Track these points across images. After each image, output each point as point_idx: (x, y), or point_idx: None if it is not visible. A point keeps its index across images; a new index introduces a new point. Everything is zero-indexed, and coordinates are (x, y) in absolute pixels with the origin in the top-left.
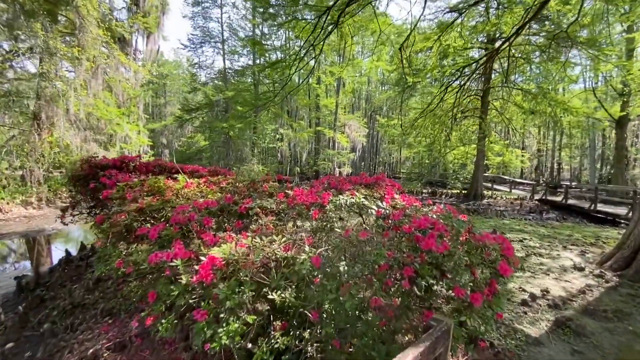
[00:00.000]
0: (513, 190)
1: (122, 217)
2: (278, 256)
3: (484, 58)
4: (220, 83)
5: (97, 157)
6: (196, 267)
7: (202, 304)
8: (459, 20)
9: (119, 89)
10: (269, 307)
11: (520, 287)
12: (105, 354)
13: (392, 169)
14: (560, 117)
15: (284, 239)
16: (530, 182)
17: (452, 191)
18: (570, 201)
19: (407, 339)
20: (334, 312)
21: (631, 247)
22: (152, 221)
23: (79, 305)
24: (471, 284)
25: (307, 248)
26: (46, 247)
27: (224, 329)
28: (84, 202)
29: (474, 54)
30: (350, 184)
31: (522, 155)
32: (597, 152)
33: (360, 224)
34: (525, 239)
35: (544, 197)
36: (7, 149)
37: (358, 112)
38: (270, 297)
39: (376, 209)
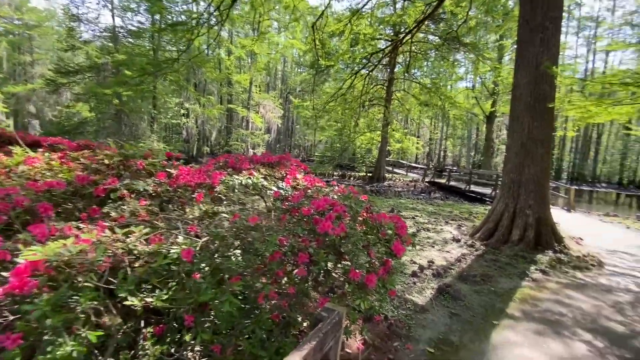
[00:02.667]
0: (409, 174)
1: None
2: (137, 251)
3: (389, 48)
4: (109, 44)
5: None
6: (4, 274)
7: (19, 323)
8: (369, 9)
9: None
10: (121, 320)
11: (411, 260)
12: None
13: (307, 152)
14: (448, 110)
15: (146, 230)
16: (422, 167)
17: (360, 174)
18: (451, 183)
19: (305, 325)
20: (220, 312)
21: (494, 221)
22: None
23: None
24: (367, 264)
25: (180, 239)
26: None
27: (46, 357)
28: None
29: (382, 47)
30: (251, 163)
31: (417, 143)
32: (473, 142)
33: (265, 207)
34: (416, 216)
35: (432, 180)
36: None
37: (273, 92)
38: (128, 302)
39: (276, 189)
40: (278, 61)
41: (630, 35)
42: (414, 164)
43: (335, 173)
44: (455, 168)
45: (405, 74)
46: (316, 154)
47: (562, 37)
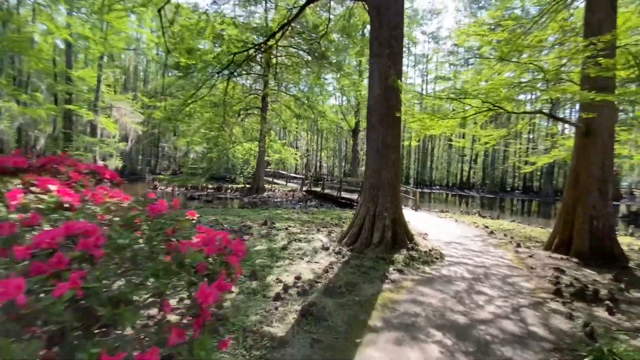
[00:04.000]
0: (289, 184)
1: None
2: None
3: (252, 50)
4: None
5: None
6: None
7: None
8: (231, 10)
9: None
10: None
11: (277, 279)
12: None
13: (178, 163)
14: (320, 123)
15: None
16: (301, 177)
17: (238, 186)
18: (326, 191)
19: None
20: None
21: (358, 225)
22: None
23: None
24: (154, 329)
25: None
26: None
27: None
28: None
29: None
30: None
31: (296, 154)
32: (343, 154)
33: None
34: (290, 226)
35: (309, 189)
36: None
37: (132, 93)
38: None
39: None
40: (121, 51)
41: (448, 70)
42: (293, 174)
43: (210, 185)
44: (329, 177)
45: (281, 86)
46: (189, 164)
47: (404, 68)
